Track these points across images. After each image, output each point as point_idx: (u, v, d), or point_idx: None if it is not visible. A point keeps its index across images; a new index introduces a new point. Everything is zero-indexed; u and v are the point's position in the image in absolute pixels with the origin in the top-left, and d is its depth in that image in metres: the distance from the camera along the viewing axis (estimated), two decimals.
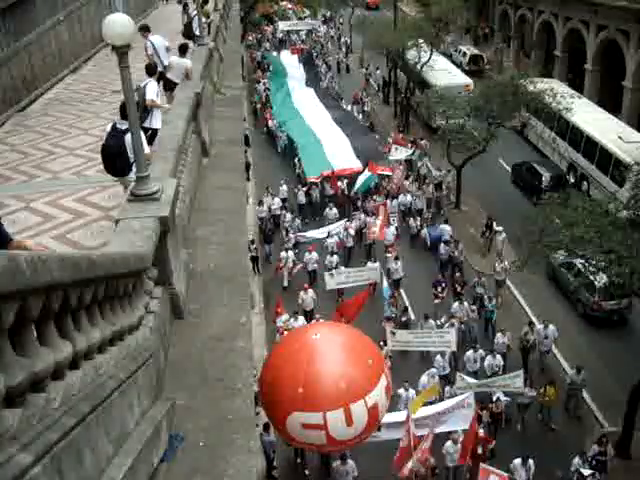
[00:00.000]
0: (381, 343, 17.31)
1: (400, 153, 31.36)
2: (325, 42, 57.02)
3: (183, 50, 14.62)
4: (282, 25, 57.86)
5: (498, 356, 18.27)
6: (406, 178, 30.06)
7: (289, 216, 26.88)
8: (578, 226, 16.32)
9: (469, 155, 28.18)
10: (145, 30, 15.07)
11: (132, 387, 4.94)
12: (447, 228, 25.87)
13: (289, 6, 61.42)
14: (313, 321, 19.59)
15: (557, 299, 22.86)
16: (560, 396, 17.63)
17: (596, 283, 19.71)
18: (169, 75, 14.26)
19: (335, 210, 27.18)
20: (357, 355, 8.09)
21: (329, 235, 24.73)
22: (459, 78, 37.80)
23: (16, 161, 13.09)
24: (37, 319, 3.36)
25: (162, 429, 5.43)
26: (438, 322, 19.90)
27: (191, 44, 18.02)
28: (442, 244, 24.44)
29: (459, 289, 22.11)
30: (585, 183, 29.32)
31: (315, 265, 23.79)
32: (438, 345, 17.88)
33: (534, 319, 20.81)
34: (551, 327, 19.14)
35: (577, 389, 17.78)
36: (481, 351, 18.53)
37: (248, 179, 24.05)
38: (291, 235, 25.48)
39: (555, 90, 27.88)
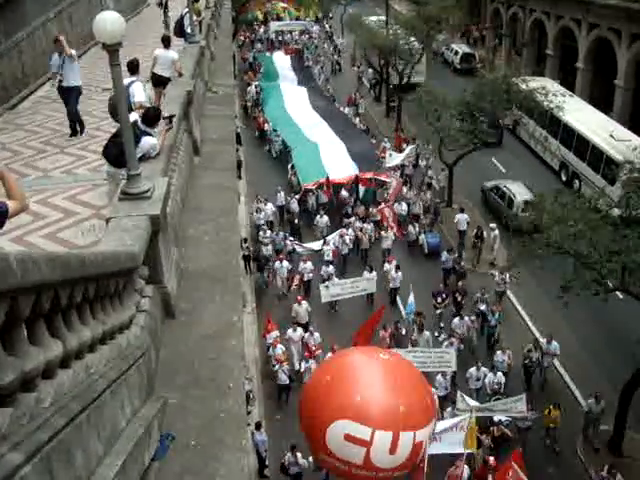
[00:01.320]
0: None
1: (395, 159, 30.74)
2: (320, 42, 56.58)
3: (167, 42, 14.10)
4: (274, 25, 57.42)
5: (499, 373, 17.90)
6: (404, 184, 29.68)
7: (269, 233, 25.64)
8: (566, 222, 16.28)
9: (461, 153, 28.21)
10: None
11: (123, 386, 4.92)
12: (465, 217, 25.87)
13: (283, 5, 61.05)
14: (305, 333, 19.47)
15: (553, 308, 20.85)
16: (563, 416, 17.01)
17: (515, 200, 26.32)
18: (156, 69, 13.84)
19: (326, 218, 26.55)
20: (420, 389, 7.98)
21: (325, 242, 24.19)
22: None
23: (6, 159, 12.98)
24: (27, 318, 3.35)
25: (153, 428, 5.41)
26: (438, 335, 19.62)
27: (182, 42, 17.94)
28: (445, 252, 23.93)
29: (459, 299, 21.49)
30: (577, 181, 29.45)
31: (310, 275, 23.05)
32: (438, 366, 17.42)
33: (538, 335, 20.32)
34: (554, 343, 18.71)
35: (596, 418, 17.16)
36: (484, 369, 18.06)
37: (240, 177, 23.94)
38: (288, 242, 24.81)
39: (547, 88, 27.97)
